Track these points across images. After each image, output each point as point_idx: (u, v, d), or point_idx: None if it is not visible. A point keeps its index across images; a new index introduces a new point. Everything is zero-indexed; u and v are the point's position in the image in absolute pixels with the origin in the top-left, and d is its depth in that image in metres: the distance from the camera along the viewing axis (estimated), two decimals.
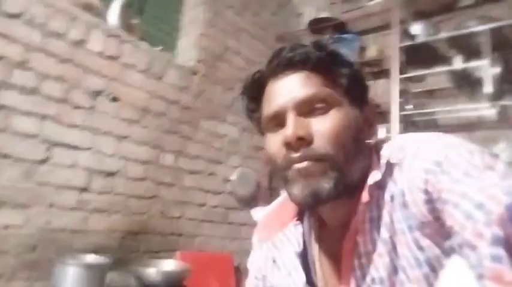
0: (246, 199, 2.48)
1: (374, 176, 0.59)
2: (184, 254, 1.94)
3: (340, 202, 0.61)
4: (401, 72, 2.21)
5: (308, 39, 2.77)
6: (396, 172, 0.58)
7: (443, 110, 2.23)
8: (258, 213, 0.84)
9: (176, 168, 2.05)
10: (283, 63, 0.62)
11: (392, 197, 0.58)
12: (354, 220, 0.60)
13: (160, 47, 2.07)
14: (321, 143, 0.58)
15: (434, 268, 0.54)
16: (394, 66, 2.22)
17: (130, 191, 1.81)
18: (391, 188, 0.59)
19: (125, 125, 1.81)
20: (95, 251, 1.58)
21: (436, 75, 2.26)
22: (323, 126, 0.59)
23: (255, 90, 0.69)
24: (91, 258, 1.47)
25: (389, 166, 0.59)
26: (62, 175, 1.57)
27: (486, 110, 2.04)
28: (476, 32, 2.01)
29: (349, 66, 0.64)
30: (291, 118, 0.59)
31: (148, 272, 1.53)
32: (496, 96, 1.94)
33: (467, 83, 2.16)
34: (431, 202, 0.52)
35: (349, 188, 0.59)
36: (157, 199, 1.93)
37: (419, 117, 2.27)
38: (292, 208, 0.74)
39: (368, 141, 0.65)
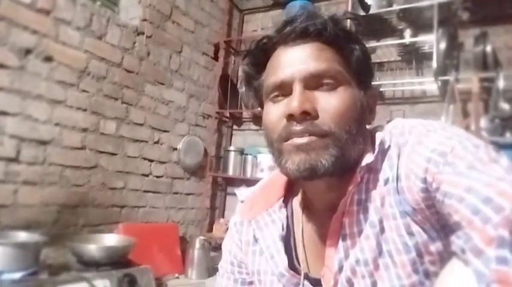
0: (193, 169, 2.42)
1: (367, 158, 0.57)
2: (127, 227, 1.85)
3: (330, 184, 0.60)
4: None
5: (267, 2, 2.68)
6: (394, 157, 0.57)
7: (390, 83, 2.27)
8: (244, 193, 0.80)
9: (118, 136, 1.91)
10: (298, 31, 0.59)
11: (386, 181, 0.57)
12: (342, 202, 0.58)
13: (99, 2, 1.87)
14: (325, 120, 0.56)
15: (421, 254, 0.54)
16: None
17: (67, 161, 1.66)
18: (386, 172, 0.57)
19: (60, 89, 1.63)
20: (27, 227, 1.45)
21: (385, 48, 2.28)
22: (329, 103, 0.57)
23: (260, 56, 0.65)
24: (22, 236, 1.34)
25: (386, 150, 0.58)
26: None
27: (430, 85, 2.11)
28: (425, 7, 2.03)
29: (361, 47, 0.61)
30: (297, 90, 0.57)
31: (88, 248, 1.43)
32: (440, 71, 2.00)
33: (414, 57, 2.20)
34: (428, 191, 0.51)
35: (343, 170, 0.58)
36: (98, 169, 1.80)
37: None
38: (278, 188, 0.73)
39: (367, 125, 0.64)
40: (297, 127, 0.56)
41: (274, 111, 0.60)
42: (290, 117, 0.57)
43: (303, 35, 0.59)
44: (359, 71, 0.61)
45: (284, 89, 0.59)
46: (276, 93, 0.61)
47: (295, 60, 0.59)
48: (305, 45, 0.59)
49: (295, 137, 0.57)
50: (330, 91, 0.58)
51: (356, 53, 0.61)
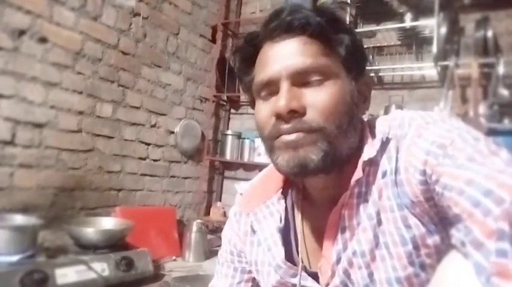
0: (190, 152, 2.41)
1: (368, 152, 0.57)
2: (124, 210, 1.86)
3: (328, 177, 0.59)
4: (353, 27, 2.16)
5: None
6: (393, 150, 0.56)
7: (389, 68, 2.25)
8: (243, 186, 0.80)
9: (114, 119, 1.90)
10: (282, 26, 0.58)
11: (384, 174, 0.57)
12: (343, 195, 0.58)
13: None
14: (313, 116, 0.55)
15: (417, 247, 0.54)
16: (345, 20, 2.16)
17: (63, 145, 1.65)
18: (384, 165, 0.57)
19: (55, 71, 1.61)
20: (24, 210, 1.44)
21: (385, 32, 2.25)
22: (317, 99, 0.55)
23: (248, 52, 0.64)
24: (19, 219, 1.34)
25: (385, 142, 0.57)
26: None
27: (429, 70, 2.09)
28: None
29: (350, 35, 0.60)
30: (284, 88, 0.56)
31: (86, 231, 1.44)
32: (440, 56, 1.98)
33: (414, 42, 2.18)
34: (427, 183, 0.50)
35: (337, 163, 0.57)
36: (94, 152, 1.79)
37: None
38: (277, 180, 0.72)
39: (361, 115, 0.63)
40: (285, 125, 0.56)
41: (264, 110, 0.60)
42: (278, 116, 0.56)
43: (288, 30, 0.58)
44: (349, 61, 0.59)
45: (272, 87, 0.59)
46: (264, 91, 0.60)
47: (281, 57, 0.58)
48: (290, 40, 0.58)
49: (284, 135, 0.56)
50: (317, 86, 0.57)
51: (345, 43, 0.59)
